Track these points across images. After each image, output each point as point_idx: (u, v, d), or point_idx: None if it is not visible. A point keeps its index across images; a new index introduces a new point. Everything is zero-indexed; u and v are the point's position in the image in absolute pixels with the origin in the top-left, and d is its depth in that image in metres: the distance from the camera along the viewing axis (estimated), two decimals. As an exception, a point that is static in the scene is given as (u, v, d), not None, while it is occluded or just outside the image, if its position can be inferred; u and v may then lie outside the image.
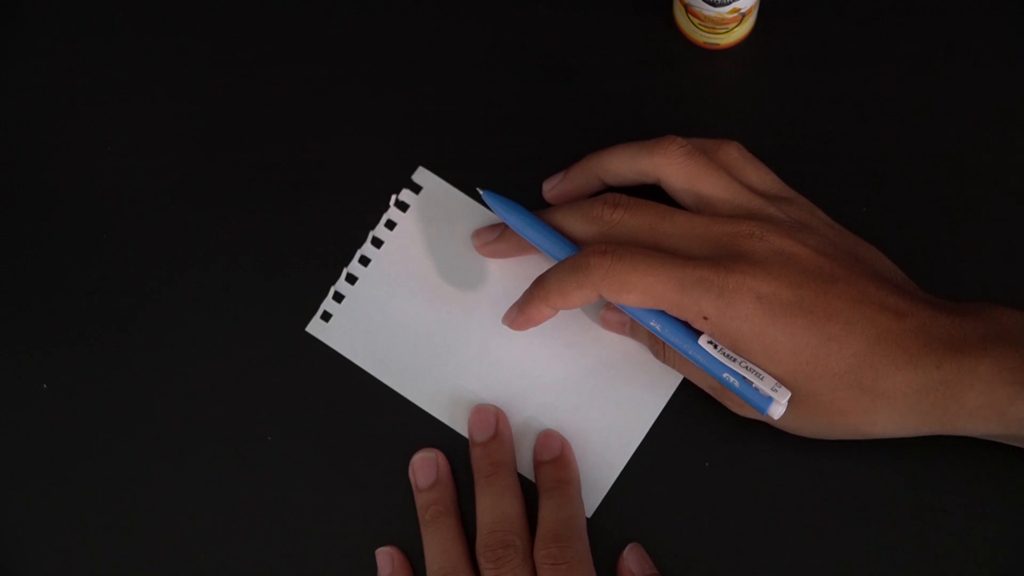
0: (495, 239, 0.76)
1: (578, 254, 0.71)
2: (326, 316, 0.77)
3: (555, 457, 0.74)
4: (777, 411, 0.69)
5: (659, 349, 0.74)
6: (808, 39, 0.79)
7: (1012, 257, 0.76)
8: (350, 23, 0.80)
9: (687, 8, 0.76)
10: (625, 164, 0.74)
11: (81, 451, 0.76)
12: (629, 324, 0.75)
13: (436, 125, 0.79)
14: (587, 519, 0.75)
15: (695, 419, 0.75)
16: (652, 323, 0.71)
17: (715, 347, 0.70)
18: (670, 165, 0.72)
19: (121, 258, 0.78)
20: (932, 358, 0.68)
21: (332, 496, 0.75)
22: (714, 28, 0.77)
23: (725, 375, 0.70)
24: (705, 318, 0.69)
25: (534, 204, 0.77)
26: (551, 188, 0.76)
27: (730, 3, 0.74)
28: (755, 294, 0.68)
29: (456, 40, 0.80)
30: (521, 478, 0.75)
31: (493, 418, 0.75)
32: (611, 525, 0.75)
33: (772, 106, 0.78)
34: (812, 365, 0.68)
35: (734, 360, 0.69)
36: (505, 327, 0.76)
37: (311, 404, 0.76)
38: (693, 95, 0.78)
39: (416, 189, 0.78)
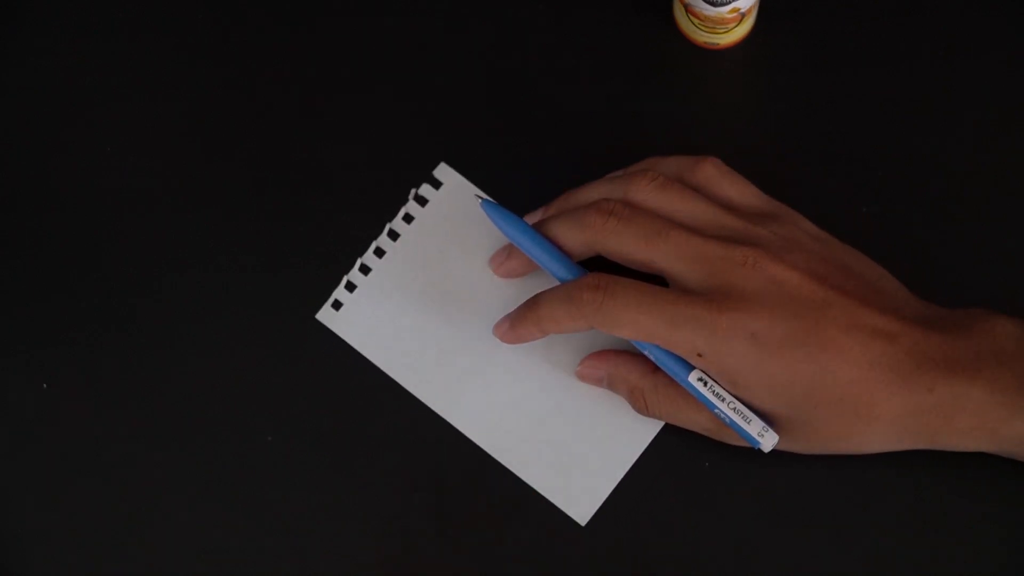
0: (506, 258, 0.76)
1: (571, 285, 0.71)
2: (337, 305, 0.77)
3: None
4: (768, 446, 0.71)
5: (640, 403, 0.74)
6: (808, 39, 0.79)
7: (1012, 258, 0.76)
8: (359, 24, 0.80)
9: (687, 8, 0.76)
10: None
11: (81, 451, 0.76)
12: (606, 380, 0.75)
13: (456, 123, 0.79)
14: (586, 523, 0.75)
15: (695, 419, 0.75)
16: (647, 351, 0.72)
17: (705, 384, 0.70)
18: (646, 202, 0.72)
19: (121, 257, 0.78)
20: (925, 381, 0.69)
21: (333, 494, 0.75)
22: (714, 28, 0.77)
23: (716, 412, 0.71)
24: (699, 355, 0.70)
25: (542, 203, 0.77)
26: (500, 265, 0.77)
27: (730, 3, 0.74)
28: (749, 332, 0.69)
29: (456, 40, 0.80)
30: (538, 493, 0.75)
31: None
32: (611, 526, 0.75)
33: (772, 106, 0.78)
34: (808, 396, 0.69)
35: (723, 400, 0.70)
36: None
37: (316, 398, 0.76)
38: (693, 95, 0.78)
39: (436, 185, 0.78)
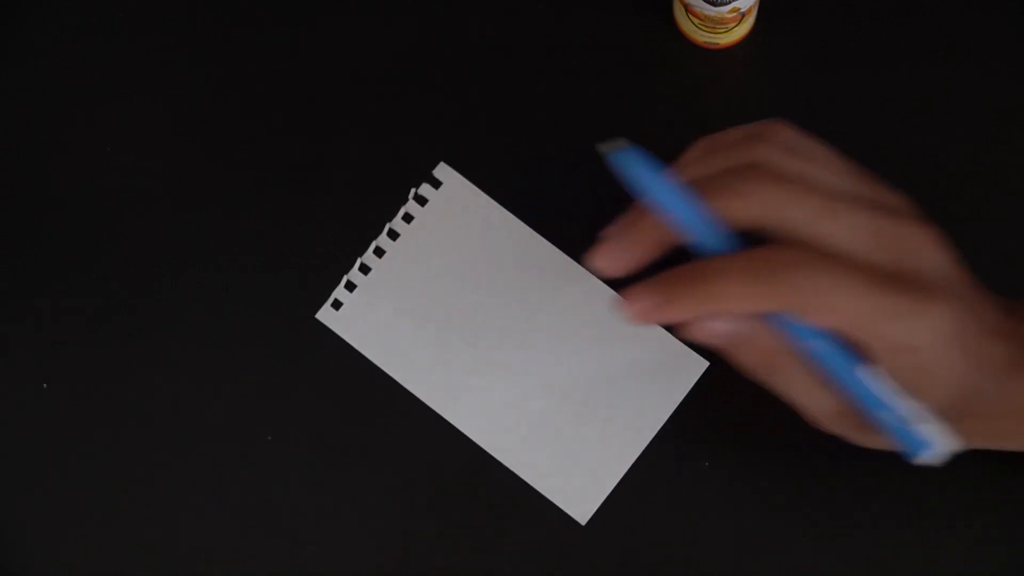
0: (618, 247, 0.63)
1: (757, 256, 0.60)
2: (337, 305, 0.77)
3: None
4: (929, 456, 0.64)
5: (770, 367, 0.64)
6: (808, 39, 0.79)
7: (1012, 258, 0.76)
8: (358, 24, 0.80)
9: (687, 8, 0.76)
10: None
11: (81, 451, 0.76)
12: (736, 337, 0.63)
13: (456, 123, 0.79)
14: (586, 522, 0.75)
15: (695, 420, 0.75)
16: (813, 343, 0.62)
17: (881, 381, 0.63)
18: (788, 167, 0.62)
19: (121, 257, 0.78)
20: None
21: (333, 494, 0.75)
22: (714, 28, 0.77)
23: (883, 414, 0.63)
24: (898, 351, 0.61)
25: (549, 207, 0.77)
26: (611, 258, 0.64)
27: (730, 2, 0.74)
28: (945, 330, 0.61)
29: (456, 40, 0.80)
30: (538, 493, 0.75)
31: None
32: (611, 526, 0.75)
33: (772, 106, 0.78)
34: (969, 392, 0.63)
35: (899, 398, 0.63)
36: (518, 325, 0.76)
37: (316, 397, 0.76)
38: (693, 95, 0.78)
39: (436, 185, 0.78)
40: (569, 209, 0.77)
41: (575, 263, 0.77)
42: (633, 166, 0.61)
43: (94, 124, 0.80)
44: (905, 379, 0.62)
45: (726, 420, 0.75)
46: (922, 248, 0.62)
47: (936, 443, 0.64)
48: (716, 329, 0.62)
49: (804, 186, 0.61)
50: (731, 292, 0.60)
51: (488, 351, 0.76)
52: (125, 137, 0.79)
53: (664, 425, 0.75)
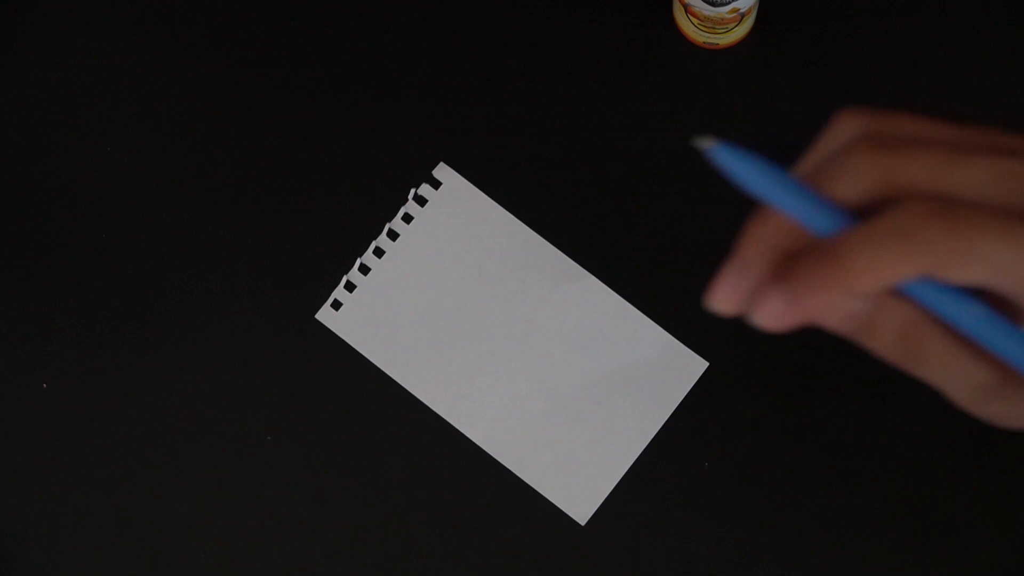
0: (739, 276, 0.56)
1: (894, 215, 0.53)
2: (336, 305, 0.77)
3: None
4: None
5: (915, 347, 0.56)
6: (808, 39, 0.79)
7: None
8: (359, 24, 0.80)
9: (687, 8, 0.76)
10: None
11: (81, 451, 0.76)
12: (865, 317, 0.56)
13: (456, 123, 0.79)
14: (585, 522, 0.75)
15: (695, 420, 0.75)
16: (963, 310, 0.55)
17: None
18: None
19: (121, 257, 0.78)
20: None
21: (333, 494, 0.75)
22: (714, 28, 0.77)
23: None
24: None
25: (549, 207, 0.77)
26: (737, 293, 0.56)
27: (729, 3, 0.74)
28: None
29: (457, 40, 0.80)
30: (538, 493, 0.75)
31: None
32: (611, 526, 0.75)
33: (772, 106, 0.78)
34: None
35: None
36: (526, 323, 0.76)
37: (315, 397, 0.76)
38: (693, 95, 0.78)
39: (436, 185, 0.78)
40: (569, 209, 0.77)
41: (575, 263, 0.77)
42: (737, 161, 0.54)
43: (94, 124, 0.80)
44: None
45: (726, 420, 0.75)
46: None
47: None
48: (845, 309, 0.55)
49: (916, 144, 0.56)
50: (862, 264, 0.53)
51: (488, 351, 0.76)
52: (125, 137, 0.79)
53: (664, 425, 0.75)
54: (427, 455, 0.76)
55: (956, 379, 0.57)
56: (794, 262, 0.54)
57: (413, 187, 0.78)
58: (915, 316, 0.56)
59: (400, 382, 0.76)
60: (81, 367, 0.77)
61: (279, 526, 0.75)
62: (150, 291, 0.78)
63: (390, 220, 0.78)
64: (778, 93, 0.78)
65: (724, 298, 0.55)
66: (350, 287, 0.77)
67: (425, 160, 0.78)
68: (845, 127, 0.57)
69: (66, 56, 0.80)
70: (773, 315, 0.53)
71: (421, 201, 0.78)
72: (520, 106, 0.79)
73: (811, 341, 0.75)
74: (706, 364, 0.76)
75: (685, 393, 0.75)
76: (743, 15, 0.76)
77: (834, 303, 0.54)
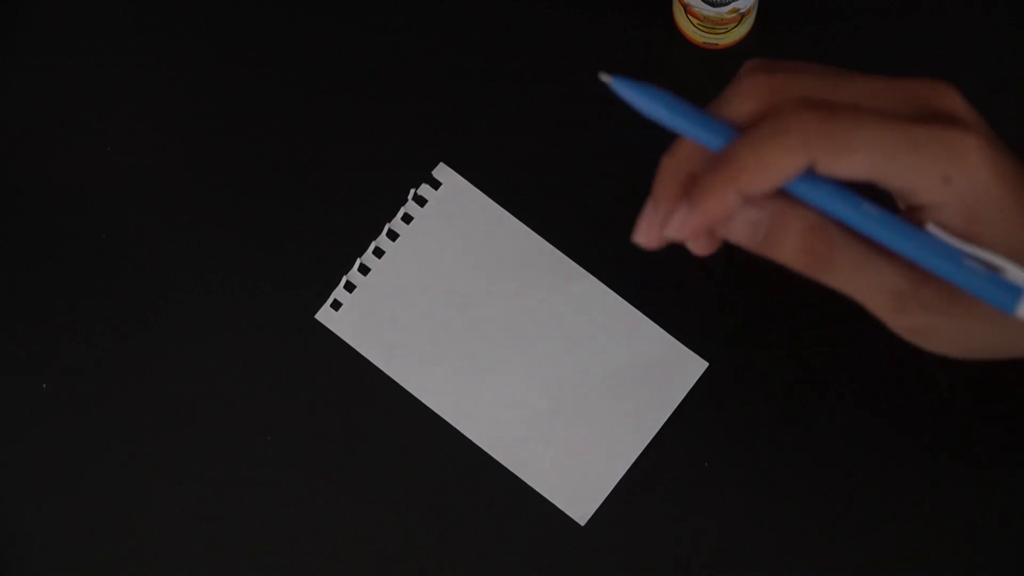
0: (654, 210, 0.58)
1: (775, 115, 0.56)
2: (336, 305, 0.77)
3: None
4: None
5: (821, 248, 0.58)
6: (808, 39, 0.79)
7: (1012, 257, 0.76)
8: (359, 24, 0.80)
9: (686, 8, 0.76)
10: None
11: (81, 451, 0.76)
12: (766, 225, 0.58)
13: (456, 123, 0.79)
14: (585, 523, 0.75)
15: (695, 420, 0.75)
16: (865, 207, 0.57)
17: (949, 233, 0.58)
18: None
19: (121, 257, 0.78)
20: None
21: (332, 494, 0.75)
22: (713, 28, 0.77)
23: (966, 262, 0.57)
24: (947, 180, 0.56)
25: (549, 207, 0.77)
26: (654, 227, 0.59)
27: (729, 3, 0.74)
28: (991, 159, 0.57)
29: (456, 40, 0.80)
30: (538, 493, 0.75)
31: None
32: (611, 526, 0.75)
33: (772, 106, 0.78)
34: None
35: (972, 247, 0.57)
36: (520, 320, 0.76)
37: (315, 398, 0.76)
38: (693, 95, 0.78)
39: (436, 185, 0.78)
40: (569, 209, 0.77)
41: (575, 263, 0.77)
42: (637, 92, 0.57)
43: (94, 124, 0.80)
44: (967, 224, 0.57)
45: (726, 420, 0.75)
46: (946, 95, 0.58)
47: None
48: (747, 219, 0.57)
49: (801, 68, 0.58)
50: (747, 162, 0.55)
51: (488, 351, 0.76)
52: (125, 137, 0.79)
53: (664, 425, 0.75)
54: (427, 455, 0.76)
55: (868, 285, 0.58)
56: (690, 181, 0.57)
57: (413, 187, 0.78)
58: (816, 221, 0.57)
59: (400, 382, 0.76)
60: (81, 367, 0.77)
61: (279, 526, 0.75)
62: (150, 291, 0.78)
63: (390, 220, 0.78)
64: (778, 93, 0.78)
65: (645, 231, 0.59)
66: (350, 287, 0.77)
67: (425, 160, 0.78)
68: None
69: (66, 56, 0.80)
70: (678, 225, 0.56)
71: (421, 201, 0.78)
72: (520, 106, 0.79)
73: (811, 341, 0.75)
74: (706, 364, 0.76)
75: (685, 393, 0.75)
76: (743, 15, 0.76)
77: (730, 205, 0.56)
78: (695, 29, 0.77)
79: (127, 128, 0.79)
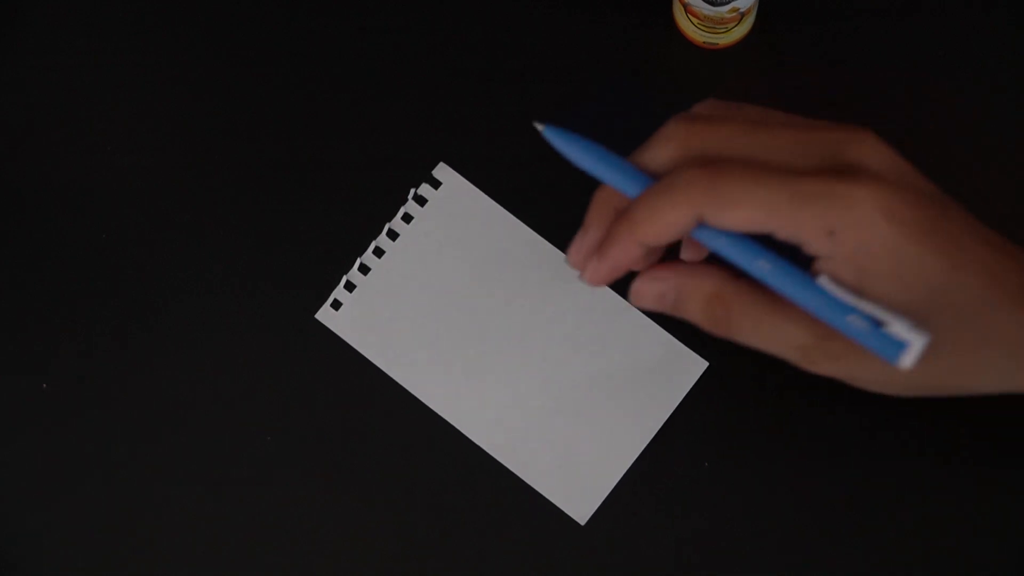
0: (582, 239, 0.65)
1: (669, 175, 0.61)
2: (336, 305, 0.77)
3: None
4: (911, 358, 0.60)
5: (720, 314, 0.63)
6: (808, 39, 0.79)
7: (1012, 257, 0.76)
8: (358, 24, 0.80)
9: (687, 8, 0.76)
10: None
11: (80, 451, 0.76)
12: (672, 296, 0.64)
13: (456, 123, 0.79)
14: (585, 522, 0.75)
15: (695, 420, 0.75)
16: (760, 263, 0.61)
17: (839, 286, 0.60)
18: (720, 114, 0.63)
19: (120, 257, 0.78)
20: None
21: (332, 494, 0.75)
22: (713, 28, 0.77)
23: (850, 318, 0.60)
24: (831, 233, 0.59)
25: (549, 207, 0.77)
26: (579, 249, 0.65)
27: (729, 2, 0.74)
28: (885, 208, 0.59)
29: (456, 40, 0.80)
30: (537, 493, 0.75)
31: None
32: (611, 526, 0.75)
33: (772, 106, 0.78)
34: (932, 297, 0.60)
35: (861, 300, 0.60)
36: (514, 319, 0.76)
37: (315, 397, 0.76)
38: (693, 95, 0.78)
39: (436, 185, 0.78)
40: (569, 209, 0.77)
41: (575, 263, 0.77)
42: (560, 143, 0.64)
43: (94, 124, 0.80)
44: (858, 276, 0.60)
45: (726, 420, 0.75)
46: (850, 144, 0.61)
47: (912, 341, 0.60)
48: (654, 293, 0.64)
49: (721, 119, 0.62)
50: (644, 216, 0.61)
51: (488, 351, 0.76)
52: (125, 137, 0.79)
53: (664, 425, 0.75)
54: (427, 455, 0.76)
55: (773, 342, 0.62)
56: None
57: (413, 187, 0.78)
58: (713, 291, 0.62)
59: (400, 382, 0.76)
60: (81, 367, 0.77)
61: (279, 526, 0.75)
62: (150, 291, 0.78)
63: (390, 220, 0.78)
64: (778, 93, 0.78)
65: (574, 255, 0.65)
66: (350, 287, 0.77)
67: (425, 160, 0.78)
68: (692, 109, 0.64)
69: (66, 56, 0.80)
70: (591, 272, 0.63)
71: (421, 201, 0.78)
72: (520, 106, 0.79)
73: (811, 341, 0.75)
74: (706, 364, 0.76)
75: (685, 393, 0.75)
76: (743, 15, 0.76)
77: (632, 255, 0.61)
78: (695, 28, 0.77)
79: (127, 128, 0.79)
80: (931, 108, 0.78)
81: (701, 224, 0.61)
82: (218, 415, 0.76)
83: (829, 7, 0.79)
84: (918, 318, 0.60)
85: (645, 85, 0.78)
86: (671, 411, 0.75)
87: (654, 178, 0.63)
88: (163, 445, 0.76)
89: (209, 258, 0.78)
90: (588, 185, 0.77)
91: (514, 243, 0.77)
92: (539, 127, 0.63)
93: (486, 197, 0.78)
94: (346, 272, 0.78)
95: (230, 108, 0.79)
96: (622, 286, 0.76)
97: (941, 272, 0.60)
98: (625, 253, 0.62)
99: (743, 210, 0.60)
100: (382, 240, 0.78)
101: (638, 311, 0.76)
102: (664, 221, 0.61)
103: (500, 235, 0.77)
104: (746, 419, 0.75)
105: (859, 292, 0.60)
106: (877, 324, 0.60)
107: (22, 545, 0.76)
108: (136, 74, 0.80)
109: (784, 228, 0.60)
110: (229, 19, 0.80)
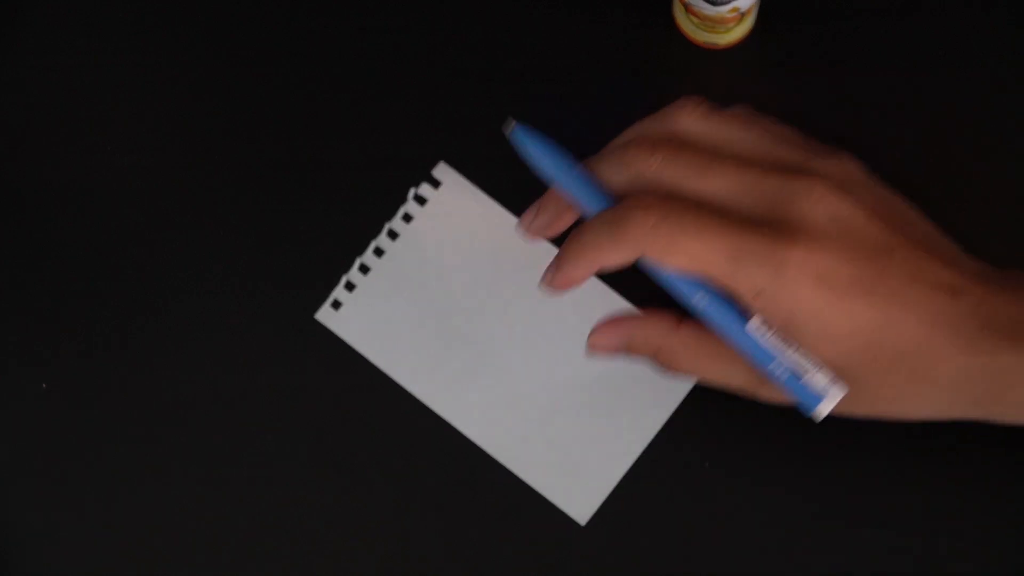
0: (537, 213, 0.70)
1: (619, 206, 0.64)
2: (336, 305, 0.77)
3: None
4: (825, 410, 0.65)
5: (668, 361, 0.68)
6: (808, 39, 0.79)
7: (1013, 260, 0.76)
8: (358, 24, 0.80)
9: (687, 8, 0.76)
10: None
11: (80, 451, 0.76)
12: (626, 346, 0.70)
13: (456, 123, 0.79)
14: (585, 523, 0.75)
15: (695, 420, 0.75)
16: (696, 298, 0.64)
17: (766, 333, 0.64)
18: (691, 131, 0.67)
19: (120, 257, 0.78)
20: (987, 345, 0.63)
21: (333, 494, 0.75)
22: (714, 27, 0.77)
23: (771, 366, 0.64)
24: (758, 294, 0.63)
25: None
26: (530, 223, 0.71)
27: (729, 2, 0.74)
28: (815, 272, 0.63)
29: (456, 40, 0.80)
30: (537, 493, 0.75)
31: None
32: (611, 526, 0.75)
33: (772, 106, 0.78)
34: (867, 349, 0.64)
35: (786, 349, 0.64)
36: (511, 321, 0.76)
37: (315, 398, 0.76)
38: (693, 95, 0.78)
39: (436, 184, 0.78)
40: (569, 209, 0.77)
41: (575, 263, 0.77)
42: (525, 143, 0.67)
43: (94, 124, 0.80)
44: (785, 327, 0.64)
45: (726, 420, 0.75)
46: (800, 198, 0.64)
47: (829, 392, 0.64)
48: (600, 343, 0.69)
49: (677, 147, 0.66)
50: (590, 244, 0.65)
51: (488, 351, 0.76)
52: (125, 137, 0.79)
53: (664, 425, 0.75)
54: (427, 455, 0.76)
55: (719, 382, 0.68)
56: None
57: (413, 187, 0.78)
58: (662, 337, 0.68)
59: (400, 382, 0.76)
60: (81, 367, 0.77)
61: (279, 526, 0.75)
62: (150, 291, 0.78)
63: (390, 220, 0.78)
64: (778, 93, 0.78)
65: (525, 224, 0.70)
66: (350, 287, 0.77)
67: (425, 160, 0.78)
68: (670, 112, 0.68)
69: (66, 56, 0.80)
70: (547, 282, 0.67)
71: (421, 201, 0.78)
72: (520, 106, 0.79)
73: (811, 341, 0.75)
74: (706, 364, 0.76)
75: (685, 393, 0.75)
76: (743, 14, 0.76)
77: (585, 273, 0.65)
78: (695, 28, 0.77)
79: (127, 128, 0.79)
80: (931, 108, 0.78)
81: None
82: (218, 415, 0.76)
83: (829, 7, 0.79)
84: (846, 367, 0.64)
85: (645, 85, 0.78)
86: (671, 411, 0.75)
87: (609, 197, 0.66)
88: (163, 445, 0.76)
89: (209, 258, 0.78)
90: (588, 185, 0.77)
91: (514, 243, 0.77)
92: (507, 130, 0.67)
93: (486, 197, 0.78)
94: (346, 272, 0.78)
95: (230, 108, 0.79)
96: (622, 286, 0.76)
97: (876, 328, 0.63)
98: (579, 271, 0.66)
99: (682, 259, 0.63)
100: (382, 240, 0.78)
101: (638, 311, 0.76)
102: (609, 257, 0.64)
103: (500, 235, 0.77)
104: (746, 419, 0.75)
105: (786, 342, 0.64)
106: (797, 375, 0.64)
107: (22, 545, 0.76)
108: (136, 74, 0.80)
109: (718, 280, 0.64)
110: (229, 19, 0.80)
